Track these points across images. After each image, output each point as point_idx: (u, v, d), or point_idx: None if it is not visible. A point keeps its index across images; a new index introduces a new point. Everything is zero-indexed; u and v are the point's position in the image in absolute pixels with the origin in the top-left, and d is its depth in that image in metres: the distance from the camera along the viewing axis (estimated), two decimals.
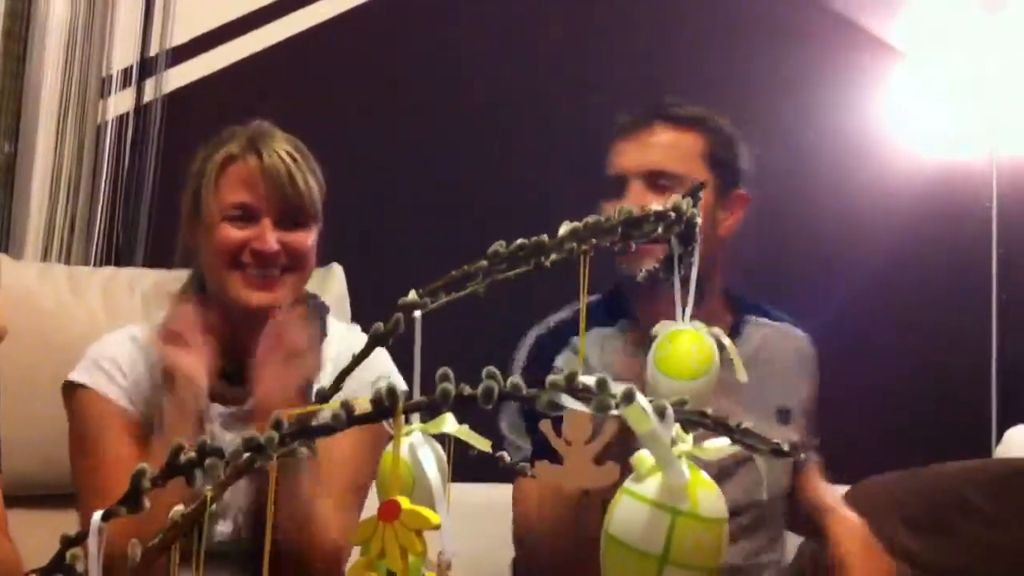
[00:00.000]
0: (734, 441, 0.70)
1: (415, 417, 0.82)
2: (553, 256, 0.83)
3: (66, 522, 0.71)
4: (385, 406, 0.67)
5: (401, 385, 0.70)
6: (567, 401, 0.66)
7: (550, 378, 0.67)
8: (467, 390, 0.68)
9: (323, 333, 1.52)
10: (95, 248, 2.44)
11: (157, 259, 2.27)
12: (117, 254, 2.45)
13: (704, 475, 0.72)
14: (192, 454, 0.67)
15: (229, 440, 1.37)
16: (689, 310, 1.06)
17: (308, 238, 1.48)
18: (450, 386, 0.68)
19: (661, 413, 0.67)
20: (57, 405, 1.49)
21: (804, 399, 1.67)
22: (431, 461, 0.80)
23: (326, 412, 0.68)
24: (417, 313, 0.80)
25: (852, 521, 1.55)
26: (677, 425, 0.69)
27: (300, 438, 0.67)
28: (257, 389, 1.40)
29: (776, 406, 1.61)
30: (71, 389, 1.48)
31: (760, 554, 1.59)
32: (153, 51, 2.52)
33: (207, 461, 0.67)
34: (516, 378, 0.67)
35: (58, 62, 2.42)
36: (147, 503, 0.68)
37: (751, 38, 2.67)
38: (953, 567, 1.55)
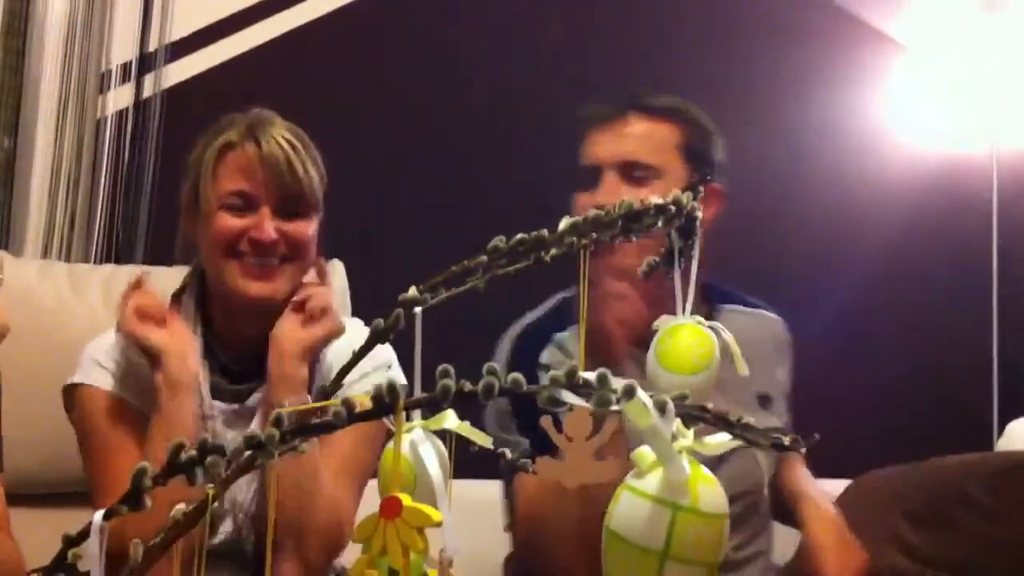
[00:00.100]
0: (735, 436, 0.70)
1: (416, 414, 0.82)
2: (553, 251, 0.83)
3: (67, 521, 0.70)
4: (386, 403, 0.67)
5: (401, 379, 0.70)
6: (568, 397, 0.66)
7: (551, 373, 0.67)
8: (468, 386, 0.68)
9: None
10: (95, 244, 2.44)
11: (157, 255, 2.27)
12: (117, 250, 2.45)
13: (705, 470, 0.72)
14: (193, 452, 0.67)
15: (231, 438, 1.37)
16: (690, 305, 1.05)
17: (308, 228, 1.46)
18: (451, 382, 0.68)
19: (662, 408, 0.67)
20: (57, 403, 1.49)
21: (783, 383, 1.68)
22: (432, 458, 0.80)
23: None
24: (417, 309, 0.80)
25: (826, 508, 1.54)
26: (678, 420, 0.69)
27: (301, 435, 0.67)
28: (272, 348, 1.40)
29: (756, 393, 1.61)
30: (71, 391, 1.47)
31: (747, 545, 1.59)
32: (152, 46, 2.51)
33: (208, 459, 0.66)
34: (517, 374, 0.67)
35: (57, 57, 2.41)
36: (148, 501, 0.68)
37: (751, 36, 2.66)
38: (954, 561, 1.55)
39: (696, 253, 1.02)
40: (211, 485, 0.67)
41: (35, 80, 2.40)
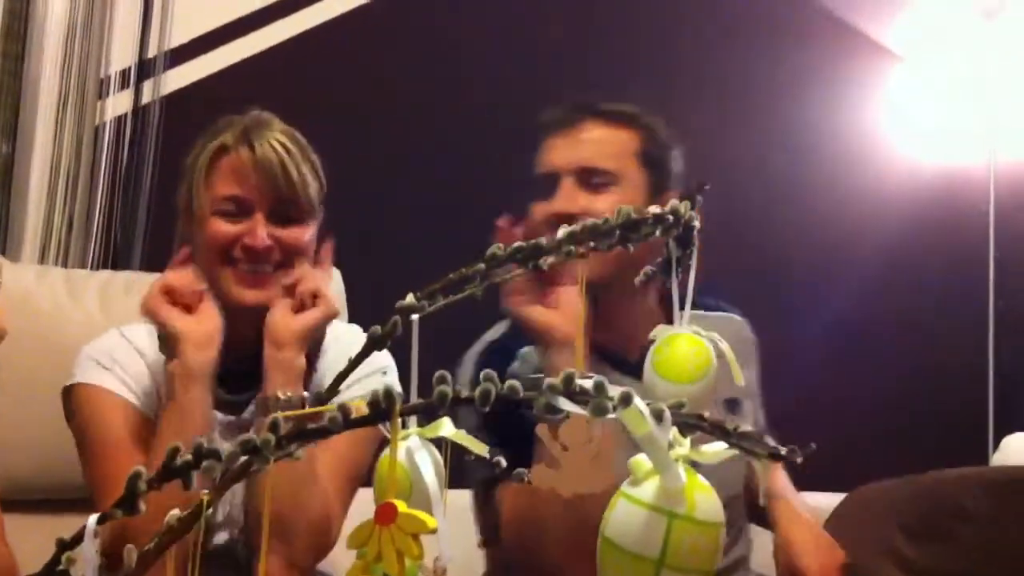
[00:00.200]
0: (731, 445, 0.70)
1: (412, 421, 0.82)
2: (551, 259, 0.83)
3: (62, 527, 0.70)
4: (382, 409, 0.67)
5: (396, 385, 0.69)
6: (564, 404, 0.66)
7: (547, 381, 0.67)
8: (464, 393, 0.68)
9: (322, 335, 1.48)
10: (92, 250, 2.44)
11: (155, 260, 2.27)
12: (115, 256, 2.45)
13: (701, 479, 0.72)
14: (189, 456, 0.67)
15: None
16: (687, 314, 1.05)
17: (303, 234, 1.43)
18: (447, 389, 0.68)
19: (658, 416, 0.67)
20: (54, 408, 1.48)
21: (750, 385, 1.68)
22: (428, 465, 0.80)
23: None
24: (415, 316, 0.80)
25: (798, 509, 1.54)
26: (674, 429, 0.69)
27: (297, 440, 0.67)
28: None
29: (724, 397, 1.60)
30: (69, 392, 1.45)
31: (729, 551, 1.58)
32: (151, 52, 2.52)
33: (204, 464, 0.66)
34: (513, 381, 0.67)
35: (56, 62, 2.42)
36: (143, 506, 0.67)
37: (750, 41, 2.67)
38: (951, 574, 1.54)
39: (694, 262, 1.02)
40: (206, 491, 0.67)
41: (34, 84, 2.41)
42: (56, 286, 1.84)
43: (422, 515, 0.65)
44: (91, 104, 2.45)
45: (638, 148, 1.54)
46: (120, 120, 2.50)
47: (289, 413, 0.67)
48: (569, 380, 0.66)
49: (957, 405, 2.56)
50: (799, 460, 0.68)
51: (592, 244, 0.84)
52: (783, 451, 0.68)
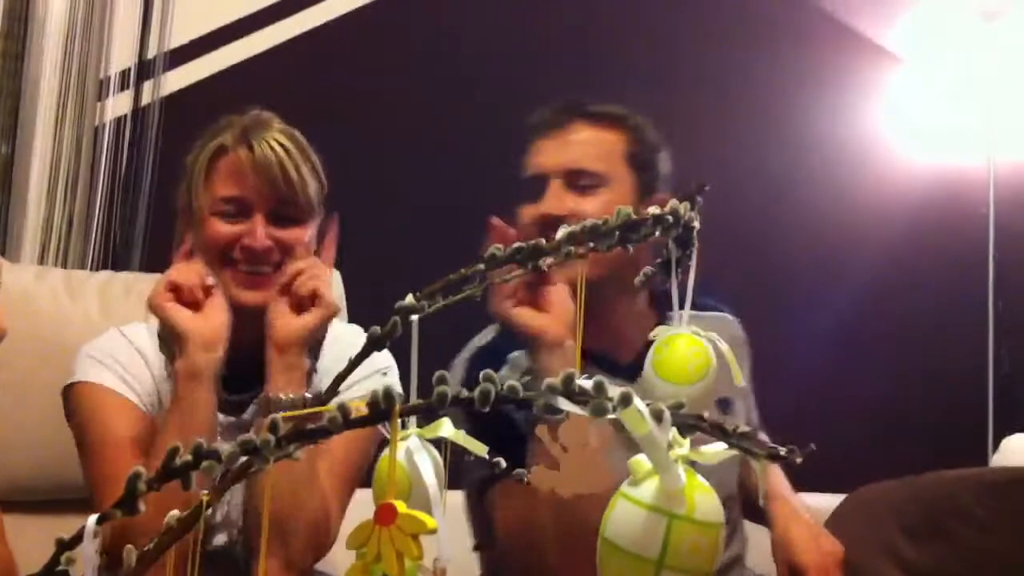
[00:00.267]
0: (731, 445, 0.70)
1: (412, 422, 0.82)
2: (551, 260, 0.83)
3: (62, 527, 0.70)
4: (382, 409, 0.67)
5: (397, 385, 0.69)
6: (564, 404, 0.66)
7: (547, 381, 0.67)
8: (464, 393, 0.68)
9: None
10: (92, 250, 2.44)
11: (154, 261, 2.27)
12: (114, 256, 2.45)
13: (701, 479, 0.72)
14: (188, 457, 0.67)
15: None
16: (687, 315, 1.05)
17: (303, 234, 1.41)
18: (447, 389, 0.68)
19: (658, 417, 0.67)
20: (52, 409, 1.48)
21: (742, 385, 1.67)
22: (428, 466, 0.80)
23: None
24: (414, 317, 0.80)
25: (794, 504, 1.54)
26: (674, 429, 0.69)
27: (296, 441, 0.67)
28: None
29: (716, 397, 1.59)
30: (69, 391, 1.44)
31: (725, 549, 1.58)
32: (151, 53, 2.52)
33: (203, 464, 0.66)
34: (513, 381, 0.67)
35: (56, 63, 2.42)
36: (143, 506, 0.67)
37: (749, 42, 2.67)
38: (951, 574, 1.54)
39: (693, 263, 1.02)
40: (206, 491, 0.67)
41: (34, 85, 2.41)
42: (56, 286, 1.84)
43: (422, 515, 0.65)
44: (91, 105, 2.45)
45: (626, 149, 1.53)
46: (120, 121, 2.50)
47: (289, 414, 0.67)
48: (569, 380, 0.66)
49: (957, 405, 2.56)
50: (798, 460, 0.68)
51: (592, 245, 0.84)
52: (782, 451, 0.68)
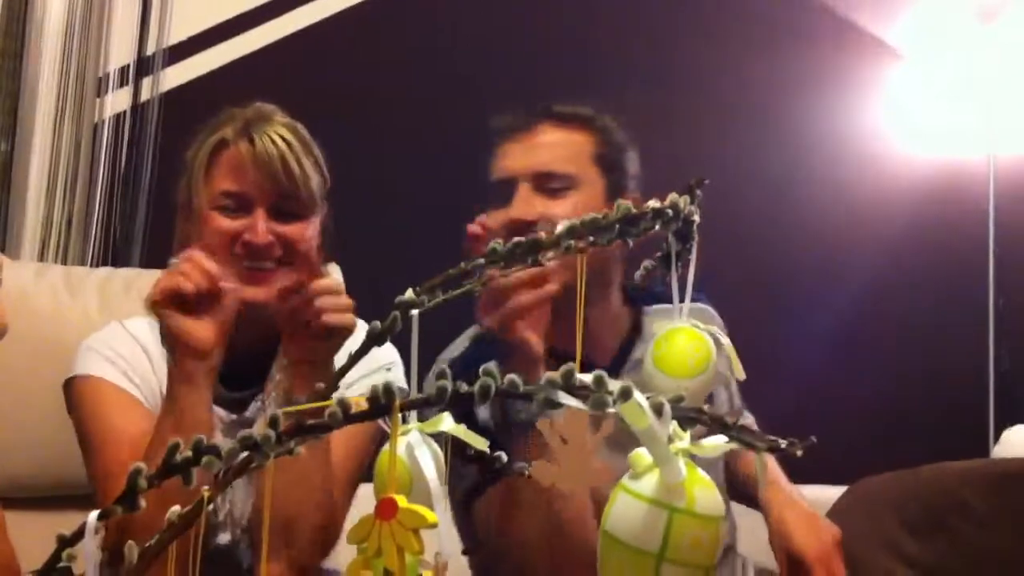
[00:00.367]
0: (731, 438, 0.70)
1: (413, 417, 0.82)
2: (550, 254, 0.83)
3: (63, 524, 0.70)
4: (382, 404, 0.67)
5: (401, 381, 0.69)
6: (564, 398, 0.66)
7: (547, 375, 0.67)
8: (464, 387, 0.68)
9: None
10: (92, 247, 2.44)
11: (154, 258, 2.27)
12: (114, 253, 2.45)
13: (701, 472, 0.72)
14: (188, 453, 0.67)
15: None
16: (686, 308, 1.05)
17: (305, 229, 1.38)
18: (447, 383, 0.68)
19: (658, 410, 0.67)
20: (53, 406, 1.48)
21: (722, 374, 1.65)
22: (429, 460, 0.80)
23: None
24: (414, 312, 0.80)
25: (787, 490, 1.53)
26: (674, 423, 0.69)
27: (297, 436, 0.67)
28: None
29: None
30: (70, 385, 1.43)
31: None
32: (150, 50, 2.52)
33: (203, 460, 0.66)
34: (513, 375, 0.67)
35: (55, 60, 2.42)
36: (143, 503, 0.67)
37: (749, 39, 2.67)
38: (952, 568, 1.55)
39: (693, 257, 1.02)
40: (207, 487, 0.67)
41: (33, 83, 2.41)
42: (55, 283, 1.84)
43: (422, 510, 0.65)
44: (90, 102, 2.45)
45: (594, 150, 1.50)
46: (119, 118, 2.50)
47: (288, 409, 0.67)
48: (569, 374, 0.66)
49: (957, 403, 2.56)
50: (799, 453, 0.68)
51: (591, 239, 0.84)
52: (783, 444, 0.68)
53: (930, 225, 2.62)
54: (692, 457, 0.72)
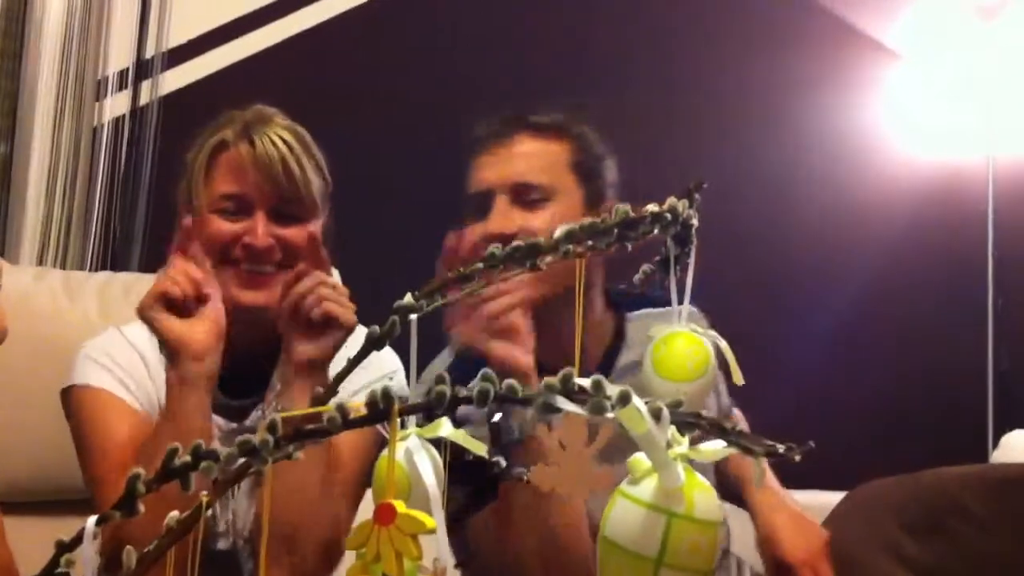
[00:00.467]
0: (729, 443, 0.70)
1: (411, 422, 0.82)
2: (549, 258, 0.83)
3: (62, 529, 0.70)
4: (380, 409, 0.67)
5: (405, 390, 0.69)
6: (563, 403, 0.66)
7: (545, 380, 0.67)
8: (463, 392, 0.67)
9: None
10: (91, 251, 2.44)
11: (153, 261, 2.27)
12: (113, 257, 2.45)
13: (700, 477, 0.72)
14: (187, 458, 0.67)
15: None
16: (685, 313, 1.05)
17: (306, 232, 1.35)
18: (446, 388, 0.68)
19: (657, 415, 0.67)
20: (52, 410, 1.47)
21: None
22: (427, 465, 0.80)
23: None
24: (413, 316, 0.80)
25: (775, 492, 1.52)
26: (673, 427, 0.69)
27: (295, 441, 0.67)
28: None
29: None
30: (68, 394, 1.43)
31: None
32: (149, 53, 2.52)
33: (202, 465, 0.66)
34: (511, 380, 0.67)
35: (54, 63, 2.42)
36: (141, 507, 0.67)
37: (748, 39, 2.67)
38: (952, 572, 1.54)
39: (692, 261, 1.02)
40: (205, 492, 0.67)
41: (32, 85, 2.41)
42: (54, 287, 1.84)
43: (421, 515, 0.64)
44: (89, 105, 2.45)
45: (571, 159, 1.48)
46: (118, 121, 2.50)
47: (287, 414, 0.67)
48: (567, 379, 0.66)
49: (956, 403, 2.56)
50: (796, 458, 0.68)
51: (590, 243, 0.84)
52: (780, 449, 0.68)
53: (929, 226, 2.62)
54: (690, 462, 0.72)
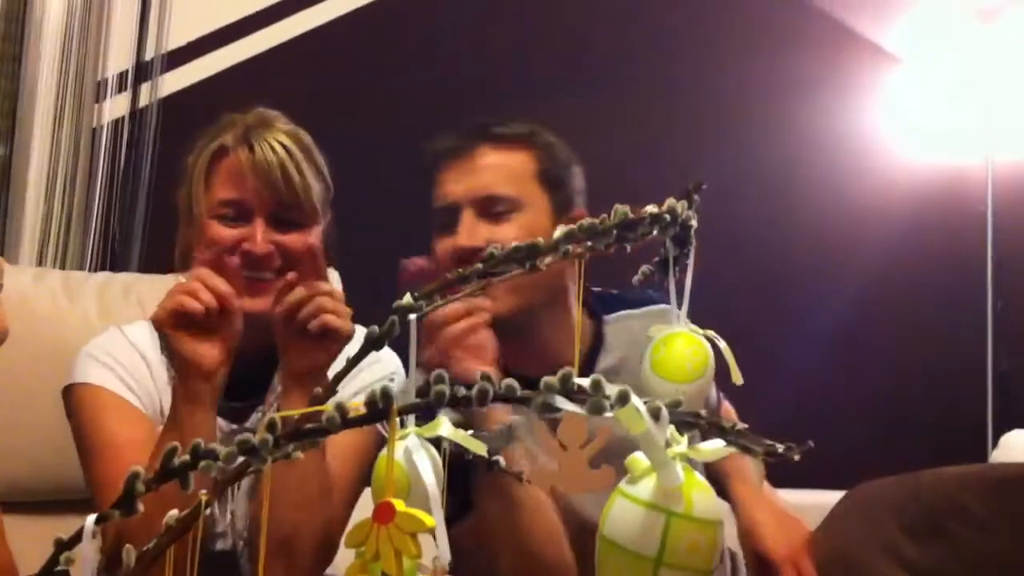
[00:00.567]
0: (729, 443, 0.70)
1: (411, 421, 0.82)
2: (548, 259, 0.83)
3: (61, 528, 0.70)
4: (379, 408, 0.67)
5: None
6: (562, 403, 0.66)
7: (544, 379, 0.67)
8: (462, 392, 0.68)
9: None
10: (90, 252, 2.44)
11: (153, 263, 2.27)
12: (113, 258, 2.45)
13: (699, 477, 0.72)
14: (186, 457, 0.67)
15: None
16: (684, 313, 1.05)
17: (305, 239, 1.35)
18: (444, 388, 0.68)
19: (656, 415, 0.67)
20: (51, 411, 1.47)
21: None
22: (427, 464, 0.80)
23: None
24: (412, 316, 0.80)
25: (755, 485, 1.51)
26: (672, 427, 0.69)
27: (294, 441, 0.67)
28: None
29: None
30: (69, 392, 1.42)
31: None
32: (149, 55, 2.52)
33: (201, 464, 0.66)
34: (511, 380, 0.67)
35: (53, 65, 2.42)
36: (141, 507, 0.67)
37: (748, 42, 2.68)
38: (952, 573, 1.54)
39: (691, 262, 1.02)
40: (204, 491, 0.67)
41: (31, 87, 2.41)
42: (54, 288, 1.84)
43: (420, 514, 0.65)
44: (88, 107, 2.45)
45: (537, 168, 1.46)
46: (117, 123, 2.50)
47: (286, 413, 0.67)
48: (566, 379, 0.66)
49: (956, 404, 2.56)
50: (796, 458, 0.68)
51: (589, 244, 0.84)
52: (780, 449, 0.68)
53: (928, 227, 2.62)
54: (689, 461, 0.72)
